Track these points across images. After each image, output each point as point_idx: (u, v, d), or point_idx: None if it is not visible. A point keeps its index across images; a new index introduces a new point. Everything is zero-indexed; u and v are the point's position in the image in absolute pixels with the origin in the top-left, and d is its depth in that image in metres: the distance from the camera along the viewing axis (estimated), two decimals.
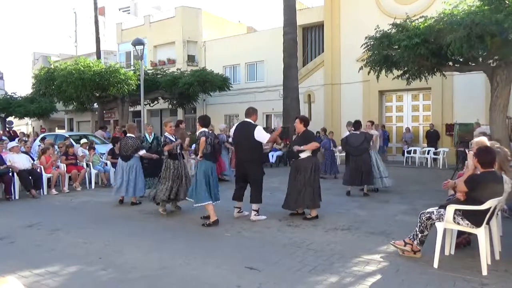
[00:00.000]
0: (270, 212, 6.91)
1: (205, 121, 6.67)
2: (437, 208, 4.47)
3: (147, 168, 8.27)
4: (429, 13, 11.40)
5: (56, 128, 31.74)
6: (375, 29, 10.84)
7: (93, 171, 10.57)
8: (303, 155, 6.46)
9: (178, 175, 6.96)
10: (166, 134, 7.08)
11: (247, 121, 6.61)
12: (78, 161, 10.59)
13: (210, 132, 6.55)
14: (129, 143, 7.97)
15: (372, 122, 9.66)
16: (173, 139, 7.03)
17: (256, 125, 6.51)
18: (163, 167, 7.06)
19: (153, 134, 8.91)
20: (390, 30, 10.60)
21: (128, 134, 8.17)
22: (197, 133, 6.58)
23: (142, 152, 8.09)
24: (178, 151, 7.07)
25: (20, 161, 9.09)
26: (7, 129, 23.42)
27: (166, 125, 7.20)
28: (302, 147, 6.42)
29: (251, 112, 6.71)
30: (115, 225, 6.39)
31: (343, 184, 9.05)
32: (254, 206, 6.48)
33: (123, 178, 7.86)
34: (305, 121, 6.77)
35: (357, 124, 8.94)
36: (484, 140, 4.85)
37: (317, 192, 6.48)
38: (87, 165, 10.58)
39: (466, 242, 4.86)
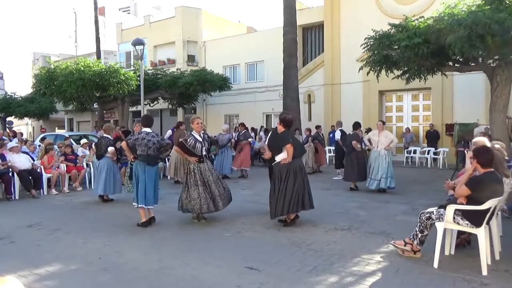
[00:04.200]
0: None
1: (147, 121, 6.40)
2: (437, 208, 4.46)
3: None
4: (429, 13, 11.40)
5: (56, 128, 31.72)
6: (373, 30, 10.85)
7: (93, 171, 10.53)
8: (278, 159, 6.04)
9: (204, 180, 6.22)
10: (193, 132, 6.35)
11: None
12: (77, 160, 10.59)
13: (154, 134, 6.27)
14: (102, 142, 8.30)
15: (383, 122, 10.07)
16: (199, 138, 6.27)
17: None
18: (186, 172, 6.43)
19: None
20: (389, 30, 10.60)
21: (103, 135, 8.52)
22: (138, 133, 6.25)
23: (110, 149, 8.20)
24: (204, 152, 6.30)
25: (20, 161, 9.09)
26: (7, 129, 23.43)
27: (193, 121, 6.40)
28: (281, 159, 5.97)
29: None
30: (115, 225, 6.38)
31: (344, 180, 9.97)
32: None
33: (107, 175, 8.13)
34: (285, 121, 6.07)
35: (356, 125, 9.80)
36: (484, 140, 4.83)
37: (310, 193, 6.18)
38: (87, 165, 10.58)
39: (466, 242, 4.86)
